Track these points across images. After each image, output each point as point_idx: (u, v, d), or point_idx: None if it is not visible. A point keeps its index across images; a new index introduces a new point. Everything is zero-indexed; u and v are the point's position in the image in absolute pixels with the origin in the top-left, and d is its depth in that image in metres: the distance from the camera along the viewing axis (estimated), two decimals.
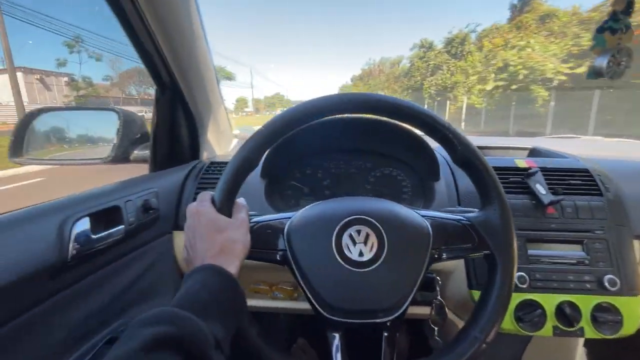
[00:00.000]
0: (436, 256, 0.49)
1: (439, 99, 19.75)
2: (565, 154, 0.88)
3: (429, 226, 0.49)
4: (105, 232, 0.57)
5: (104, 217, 0.59)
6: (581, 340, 0.83)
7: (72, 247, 0.50)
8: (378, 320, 0.45)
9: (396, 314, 0.45)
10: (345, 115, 0.76)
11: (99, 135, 0.84)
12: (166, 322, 0.32)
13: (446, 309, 0.76)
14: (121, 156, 0.83)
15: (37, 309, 0.47)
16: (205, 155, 0.97)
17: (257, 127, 0.49)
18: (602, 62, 0.58)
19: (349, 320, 0.45)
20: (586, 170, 0.77)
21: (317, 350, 1.14)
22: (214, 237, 0.44)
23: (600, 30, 0.57)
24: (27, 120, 0.76)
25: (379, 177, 0.87)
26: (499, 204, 0.48)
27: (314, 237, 0.48)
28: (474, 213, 0.51)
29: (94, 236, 0.54)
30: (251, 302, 0.89)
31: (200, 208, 0.46)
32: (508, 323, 0.65)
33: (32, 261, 0.45)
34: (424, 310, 0.80)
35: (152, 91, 0.82)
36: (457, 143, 0.48)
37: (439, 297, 0.65)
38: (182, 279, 0.42)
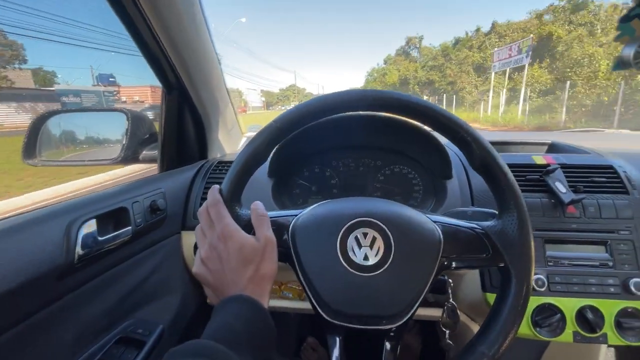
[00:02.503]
0: (446, 264, 0.46)
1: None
2: (587, 148, 0.83)
3: (440, 233, 0.46)
4: (113, 234, 0.57)
5: (111, 218, 0.59)
6: (603, 347, 0.78)
7: (79, 250, 0.51)
8: (380, 327, 0.44)
9: (399, 322, 0.43)
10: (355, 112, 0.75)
11: (108, 136, 0.85)
12: (201, 355, 0.32)
13: (458, 311, 0.73)
14: (131, 156, 0.83)
15: (47, 310, 0.48)
16: (213, 155, 0.97)
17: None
18: (630, 52, 0.53)
19: (349, 325, 0.44)
20: (610, 167, 0.72)
21: (327, 349, 1.13)
22: (245, 269, 0.43)
23: (626, 19, 0.53)
24: (38, 123, 0.77)
25: (389, 175, 0.85)
26: (518, 215, 0.44)
27: (318, 237, 0.46)
28: (489, 222, 0.48)
29: (100, 238, 0.54)
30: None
31: (226, 230, 0.44)
32: (525, 328, 0.62)
33: (40, 263, 0.45)
34: (436, 312, 0.78)
35: None
36: (476, 147, 0.45)
37: (451, 300, 0.63)
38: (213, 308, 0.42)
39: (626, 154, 0.79)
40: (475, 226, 0.47)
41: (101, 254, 0.55)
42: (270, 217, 0.49)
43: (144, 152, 0.87)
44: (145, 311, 0.67)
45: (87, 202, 0.57)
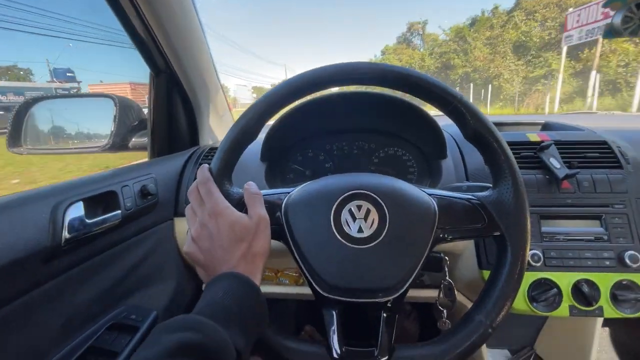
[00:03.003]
0: (441, 236, 0.45)
1: None
2: (580, 126, 0.83)
3: (435, 205, 0.46)
4: (101, 217, 0.56)
5: (100, 202, 0.58)
6: (599, 321, 0.79)
7: (65, 232, 0.49)
8: (377, 300, 0.43)
9: (396, 295, 0.43)
10: (347, 90, 0.74)
11: (96, 122, 0.83)
12: (191, 329, 0.32)
13: (455, 290, 0.73)
14: (119, 143, 0.82)
15: (33, 294, 0.46)
16: (205, 142, 0.96)
17: None
18: (619, 18, 0.52)
19: (345, 299, 0.43)
20: (604, 142, 0.72)
21: (325, 335, 1.13)
22: (236, 246, 0.42)
23: None
24: (23, 110, 0.75)
25: (384, 158, 0.84)
26: (512, 181, 0.44)
27: (311, 212, 0.46)
28: (485, 192, 0.47)
29: (88, 221, 0.53)
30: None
31: (217, 208, 0.43)
32: (522, 303, 0.62)
33: (24, 245, 0.44)
34: (433, 294, 0.78)
35: None
36: (469, 116, 0.44)
37: (447, 279, 0.62)
38: (202, 286, 0.41)
39: (620, 131, 0.79)
40: (471, 197, 0.47)
41: (90, 238, 0.54)
42: (263, 195, 0.48)
43: (133, 139, 0.85)
44: (138, 298, 0.66)
45: (74, 185, 0.55)
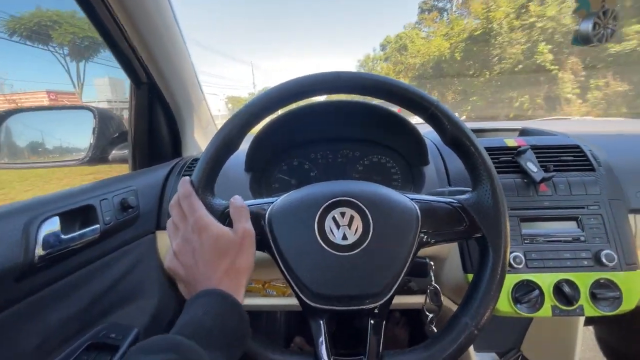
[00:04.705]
0: (425, 240, 0.46)
1: None
2: (555, 132, 0.87)
3: (418, 209, 0.47)
4: (78, 232, 0.54)
5: (77, 216, 0.56)
6: (581, 321, 0.81)
7: (39, 249, 0.47)
8: (364, 307, 0.43)
9: (383, 300, 0.43)
10: (330, 100, 0.75)
11: (75, 135, 0.81)
12: (169, 350, 0.31)
13: (442, 295, 0.74)
14: (99, 156, 0.80)
15: (6, 313, 0.44)
16: (188, 153, 0.94)
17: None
18: (588, 26, 0.55)
19: (332, 307, 0.43)
20: (576, 146, 0.75)
21: (314, 345, 1.11)
22: (219, 262, 0.41)
23: None
24: None
25: (368, 165, 0.85)
26: (490, 183, 0.46)
27: (295, 219, 0.45)
28: (464, 195, 0.49)
29: (64, 236, 0.51)
30: (246, 302, 0.86)
31: (200, 222, 0.42)
32: (505, 305, 0.63)
33: None
34: (420, 300, 0.78)
35: None
36: (447, 122, 0.46)
37: (433, 283, 0.63)
38: (184, 303, 0.40)
39: (590, 135, 0.82)
40: (452, 200, 0.48)
41: (66, 254, 0.52)
42: (248, 206, 0.47)
43: (114, 151, 0.84)
44: (118, 315, 0.64)
45: (50, 199, 0.54)
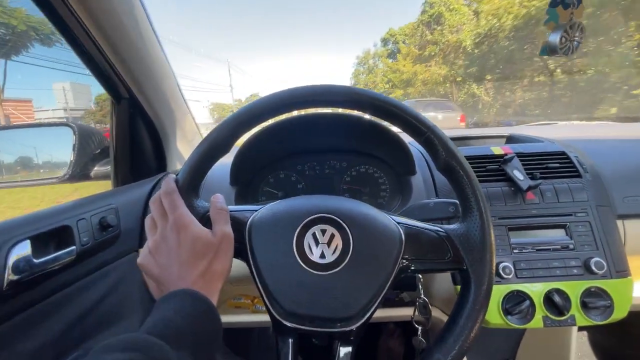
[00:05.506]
0: (405, 265, 0.45)
1: None
2: (541, 138, 0.87)
3: (402, 233, 0.45)
4: (52, 256, 0.52)
5: (52, 239, 0.54)
6: (575, 328, 0.80)
7: (9, 275, 0.45)
8: (334, 330, 0.41)
9: (354, 325, 0.41)
10: (318, 112, 0.75)
11: (54, 152, 0.79)
12: (132, 349, 0.29)
13: (432, 307, 0.72)
14: (80, 173, 0.78)
15: None
16: (173, 167, 0.93)
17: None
18: (555, 38, 0.56)
19: (301, 327, 0.41)
20: (562, 153, 0.75)
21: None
22: (195, 263, 0.40)
23: (554, 4, 0.56)
24: None
25: (355, 176, 0.84)
26: (479, 216, 0.44)
27: (275, 232, 0.44)
28: (453, 225, 0.47)
29: (36, 260, 0.49)
30: (233, 319, 0.84)
31: (180, 221, 0.41)
32: (496, 317, 0.61)
33: None
34: (411, 312, 0.77)
35: None
36: (442, 149, 0.45)
37: (422, 296, 0.62)
38: (154, 303, 0.39)
39: (576, 141, 0.82)
40: (439, 229, 0.47)
41: (39, 278, 0.50)
42: (230, 211, 0.46)
43: (95, 168, 0.82)
44: (99, 339, 0.61)
45: (21, 222, 0.52)
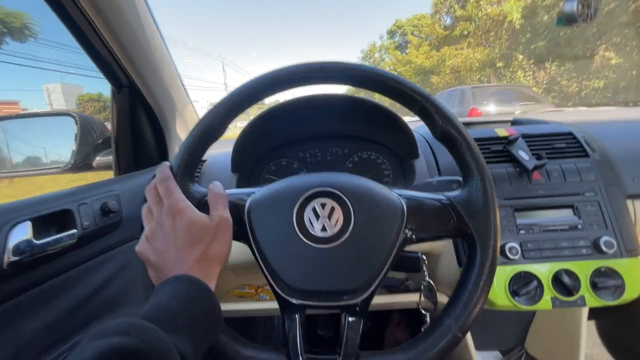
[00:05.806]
0: (409, 236, 0.44)
1: None
2: (547, 120, 0.85)
3: (404, 204, 0.44)
4: (53, 238, 0.52)
5: (53, 222, 0.54)
6: (585, 314, 0.78)
7: (9, 255, 0.45)
8: (341, 303, 0.41)
9: (361, 298, 0.41)
10: (314, 95, 0.74)
11: (56, 142, 0.80)
12: (125, 334, 0.29)
13: (438, 292, 0.71)
14: (82, 163, 0.78)
15: None
16: (174, 156, 0.93)
17: None
18: (572, 6, 0.54)
19: (308, 302, 0.41)
20: (569, 133, 0.74)
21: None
22: (192, 248, 0.40)
23: None
24: None
25: (358, 162, 0.83)
26: (480, 178, 0.43)
27: (274, 210, 0.44)
28: (455, 192, 0.47)
29: (37, 242, 0.49)
30: (237, 307, 0.84)
31: (176, 206, 0.41)
32: (503, 299, 0.60)
33: None
34: (417, 298, 0.76)
35: None
36: (437, 116, 0.44)
37: (427, 279, 0.61)
38: (153, 290, 0.38)
39: (584, 124, 0.81)
40: (441, 197, 0.46)
41: (40, 260, 0.49)
42: (228, 195, 0.46)
43: (98, 157, 0.82)
44: (101, 324, 0.61)
45: (22, 205, 0.52)
